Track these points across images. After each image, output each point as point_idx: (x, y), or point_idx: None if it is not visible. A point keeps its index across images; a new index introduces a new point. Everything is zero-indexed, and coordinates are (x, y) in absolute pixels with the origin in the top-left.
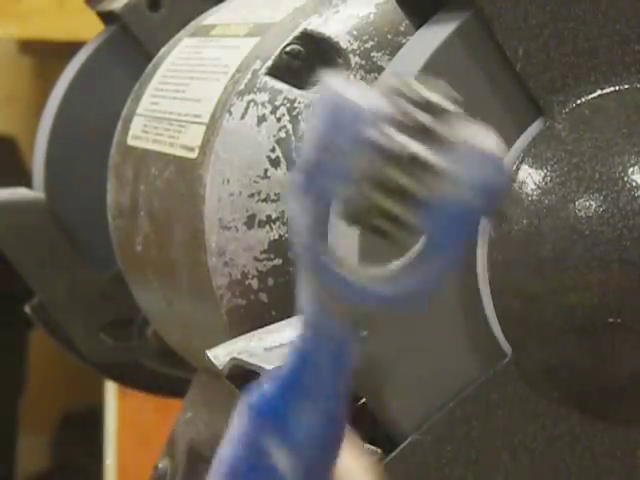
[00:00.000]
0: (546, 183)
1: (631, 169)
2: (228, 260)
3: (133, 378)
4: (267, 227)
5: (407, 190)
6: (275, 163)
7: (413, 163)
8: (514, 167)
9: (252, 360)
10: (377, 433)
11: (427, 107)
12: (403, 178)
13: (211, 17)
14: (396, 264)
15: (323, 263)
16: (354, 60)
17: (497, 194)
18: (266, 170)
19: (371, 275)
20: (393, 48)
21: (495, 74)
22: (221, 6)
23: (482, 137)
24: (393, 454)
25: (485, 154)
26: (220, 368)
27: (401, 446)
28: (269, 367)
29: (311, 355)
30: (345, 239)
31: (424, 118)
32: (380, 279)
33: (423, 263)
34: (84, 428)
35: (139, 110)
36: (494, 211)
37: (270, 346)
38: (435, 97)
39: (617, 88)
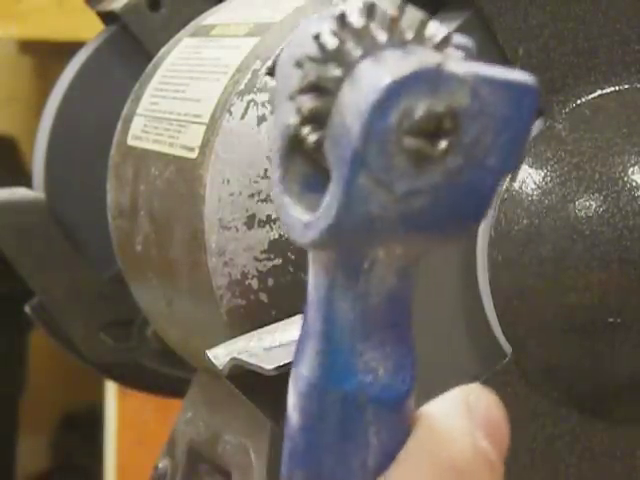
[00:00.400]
0: (546, 183)
1: (631, 169)
2: (228, 260)
3: (133, 378)
4: (267, 227)
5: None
6: None
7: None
8: None
9: (252, 360)
10: None
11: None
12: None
13: (211, 17)
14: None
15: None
16: None
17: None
18: (266, 170)
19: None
20: None
21: None
22: (221, 6)
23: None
24: None
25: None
26: (220, 368)
27: None
28: (269, 367)
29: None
30: None
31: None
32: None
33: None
34: (84, 428)
35: (139, 110)
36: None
37: (270, 346)
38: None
39: (617, 88)
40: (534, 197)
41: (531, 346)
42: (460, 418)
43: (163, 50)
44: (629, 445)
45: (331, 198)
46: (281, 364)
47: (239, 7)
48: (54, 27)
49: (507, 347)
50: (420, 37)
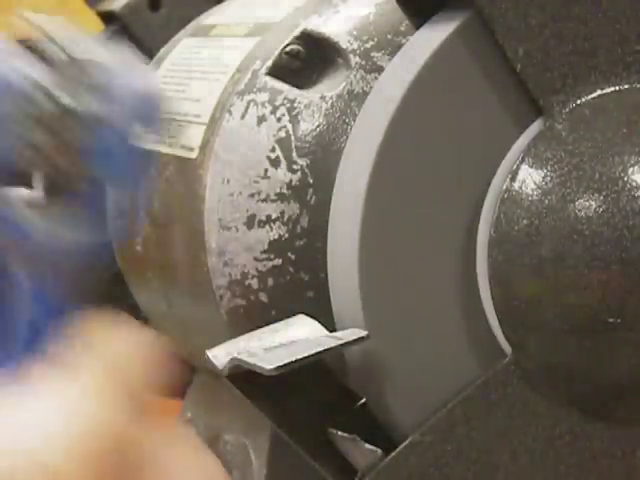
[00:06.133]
0: (546, 183)
1: (631, 169)
2: (228, 260)
3: None
4: (267, 227)
5: (66, 143)
6: (275, 163)
7: (60, 118)
8: (514, 167)
9: (252, 360)
10: (377, 433)
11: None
12: (55, 134)
13: (211, 17)
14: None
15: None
16: (354, 60)
17: (151, 112)
18: (266, 170)
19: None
20: (393, 48)
21: (495, 74)
22: (221, 6)
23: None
24: (393, 454)
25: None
26: (220, 368)
27: (401, 446)
28: (269, 367)
29: None
30: (344, 237)
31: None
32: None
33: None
34: None
35: None
36: (157, 129)
37: (270, 346)
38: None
39: (617, 88)
40: (534, 197)
41: (531, 346)
42: None
43: (163, 50)
44: (629, 445)
45: None
46: (281, 364)
47: (239, 7)
48: None
49: (507, 347)
50: None
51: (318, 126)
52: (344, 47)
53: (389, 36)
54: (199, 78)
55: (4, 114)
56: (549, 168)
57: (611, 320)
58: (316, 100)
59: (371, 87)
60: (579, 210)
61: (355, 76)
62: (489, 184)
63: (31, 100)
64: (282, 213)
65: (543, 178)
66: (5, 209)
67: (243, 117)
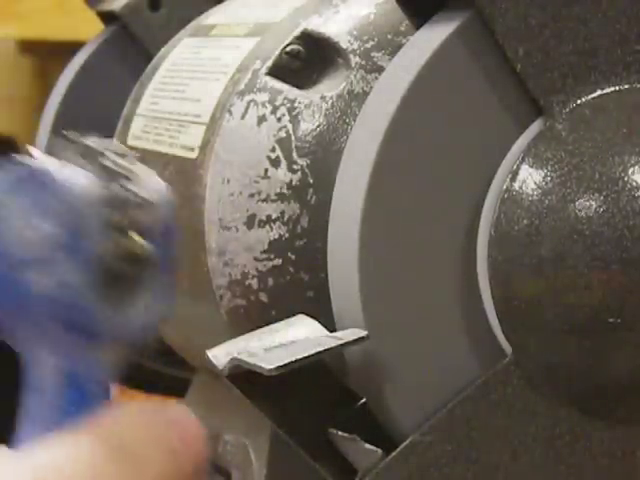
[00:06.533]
0: (546, 183)
1: (631, 169)
2: (228, 260)
3: (133, 378)
4: (267, 227)
5: (132, 225)
6: (275, 163)
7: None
8: (514, 167)
9: (252, 360)
10: (377, 433)
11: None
12: (123, 218)
13: (211, 17)
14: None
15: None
16: (354, 60)
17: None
18: (266, 170)
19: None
20: (393, 48)
21: (495, 74)
22: (221, 6)
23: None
24: (393, 454)
25: (158, 189)
26: (220, 368)
27: (401, 446)
28: (269, 367)
29: None
30: (343, 244)
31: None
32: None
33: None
34: None
35: (139, 110)
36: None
37: (270, 346)
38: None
39: (617, 88)
40: (534, 197)
41: (531, 346)
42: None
43: (163, 50)
44: (629, 445)
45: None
46: (281, 364)
47: (239, 7)
48: (54, 27)
49: (507, 347)
50: None
51: (318, 126)
52: (344, 47)
53: (389, 36)
54: (199, 78)
55: (90, 216)
56: (549, 168)
57: (611, 320)
58: (316, 100)
59: (371, 87)
60: (579, 210)
61: (355, 76)
62: (489, 184)
63: (114, 199)
64: (282, 213)
65: (543, 178)
66: (71, 290)
67: (243, 117)
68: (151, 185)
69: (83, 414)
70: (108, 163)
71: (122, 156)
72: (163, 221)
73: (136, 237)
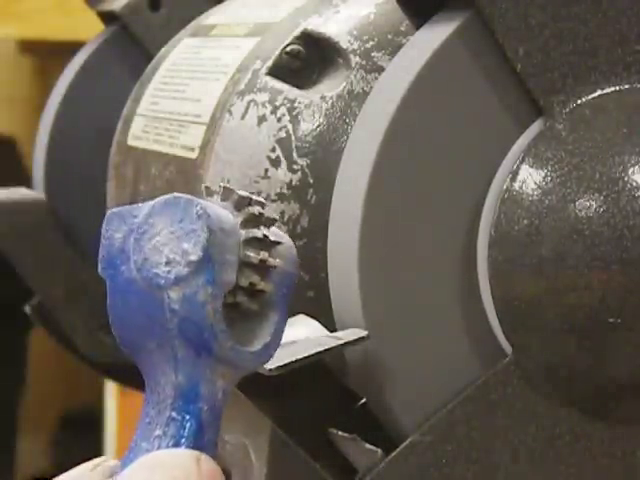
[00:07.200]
0: (546, 183)
1: (631, 169)
2: None
3: (133, 378)
4: None
5: (262, 265)
6: (275, 163)
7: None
8: (514, 167)
9: None
10: (377, 433)
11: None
12: (257, 257)
13: (211, 17)
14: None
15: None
16: (354, 60)
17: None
18: (266, 170)
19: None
20: (393, 48)
21: (495, 74)
22: (221, 6)
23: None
24: (393, 454)
25: (287, 240)
26: None
27: (401, 446)
28: (269, 367)
29: None
30: (342, 249)
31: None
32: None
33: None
34: (84, 428)
35: (139, 110)
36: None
37: None
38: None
39: (617, 88)
40: (534, 197)
41: (531, 346)
42: None
43: (163, 50)
44: (629, 445)
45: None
46: (281, 364)
47: (239, 7)
48: (54, 27)
49: (507, 347)
50: None
51: (318, 126)
52: (344, 47)
53: (389, 36)
54: (199, 78)
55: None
56: (549, 168)
57: (611, 320)
58: (316, 100)
59: (371, 87)
60: (579, 210)
61: (355, 76)
62: (489, 184)
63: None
64: (282, 213)
65: (543, 178)
66: (201, 311)
67: (243, 117)
68: (282, 235)
69: (195, 439)
70: (254, 210)
71: (263, 206)
72: (288, 267)
73: (264, 277)
